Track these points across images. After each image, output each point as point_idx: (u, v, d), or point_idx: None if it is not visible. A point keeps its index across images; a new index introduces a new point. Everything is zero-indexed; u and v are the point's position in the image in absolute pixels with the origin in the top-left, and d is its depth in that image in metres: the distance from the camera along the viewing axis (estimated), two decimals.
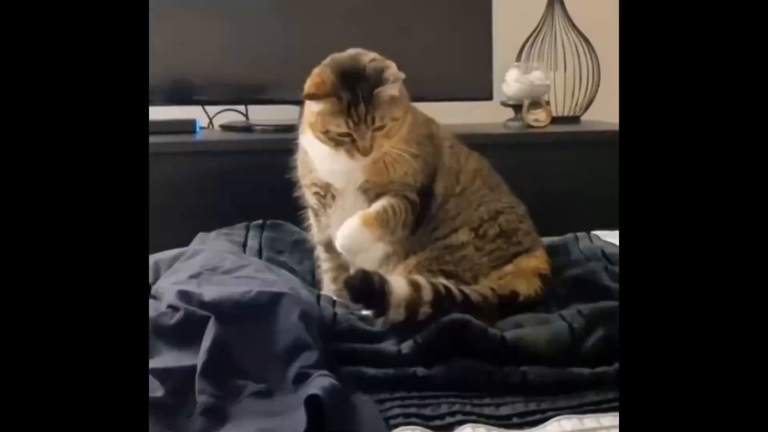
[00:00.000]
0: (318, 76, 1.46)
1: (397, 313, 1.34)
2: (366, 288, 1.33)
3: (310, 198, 1.61)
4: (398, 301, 1.34)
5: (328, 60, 1.50)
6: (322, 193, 1.57)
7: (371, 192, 1.52)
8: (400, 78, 1.46)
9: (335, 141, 1.45)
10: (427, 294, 1.36)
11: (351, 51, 1.51)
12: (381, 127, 1.45)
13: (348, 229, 1.45)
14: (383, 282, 1.34)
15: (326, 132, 1.45)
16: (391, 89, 1.45)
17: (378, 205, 1.48)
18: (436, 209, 1.55)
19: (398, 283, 1.36)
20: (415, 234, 1.54)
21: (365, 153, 1.45)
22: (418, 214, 1.54)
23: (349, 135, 1.44)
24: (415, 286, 1.36)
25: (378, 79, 1.44)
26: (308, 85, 1.46)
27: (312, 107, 1.47)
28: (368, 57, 1.48)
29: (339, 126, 1.44)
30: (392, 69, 1.46)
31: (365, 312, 1.40)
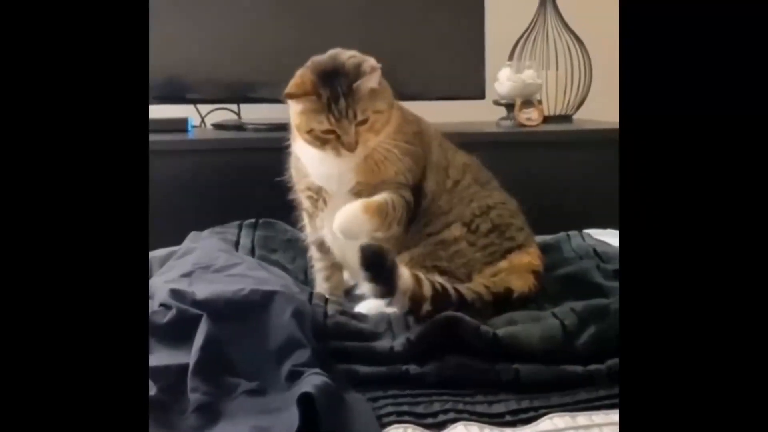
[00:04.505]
0: (298, 77, 1.49)
1: (401, 302, 1.33)
2: (378, 260, 1.30)
3: (304, 201, 1.62)
4: (405, 288, 1.32)
5: (308, 62, 1.51)
6: (315, 197, 1.58)
7: (364, 194, 1.52)
8: (377, 68, 1.47)
9: (321, 140, 1.46)
10: (427, 289, 1.35)
11: (330, 51, 1.52)
12: (364, 121, 1.45)
13: (347, 211, 1.45)
14: (395, 264, 1.32)
15: (310, 131, 1.46)
16: (370, 81, 1.46)
17: (380, 196, 1.48)
18: (428, 205, 1.55)
19: (404, 272, 1.34)
20: (407, 232, 1.54)
21: (350, 148, 1.45)
22: (411, 210, 1.54)
23: (333, 132, 1.45)
24: (417, 279, 1.35)
25: (356, 73, 1.45)
26: (288, 86, 1.48)
27: (295, 108, 1.48)
28: (347, 54, 1.50)
29: (321, 123, 1.44)
30: (370, 61, 1.47)
31: (364, 290, 1.39)
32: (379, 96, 1.48)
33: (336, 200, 1.54)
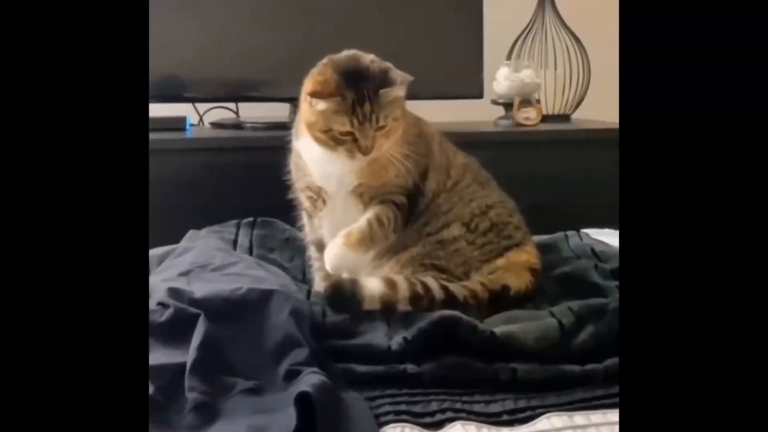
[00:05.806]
0: (320, 74, 1.46)
1: (374, 306, 1.40)
2: (340, 298, 1.40)
3: (304, 200, 1.61)
4: (371, 296, 1.39)
5: (326, 60, 1.49)
6: (314, 196, 1.57)
7: (365, 195, 1.52)
8: (408, 80, 1.47)
9: (336, 140, 1.45)
10: (404, 291, 1.40)
11: (348, 52, 1.51)
12: (383, 127, 1.45)
13: (332, 251, 1.48)
14: (356, 286, 1.40)
15: (328, 131, 1.45)
16: (399, 91, 1.46)
17: (362, 222, 1.50)
18: (426, 205, 1.56)
19: (372, 282, 1.41)
20: (404, 231, 1.54)
21: (366, 152, 1.44)
22: (407, 213, 1.54)
23: (351, 134, 1.44)
24: (390, 283, 1.41)
25: (383, 79, 1.45)
26: (311, 84, 1.46)
27: (314, 106, 1.45)
28: (368, 58, 1.49)
29: (343, 125, 1.43)
30: (398, 71, 1.47)
31: None
32: (398, 104, 1.48)
33: (335, 201, 1.54)
